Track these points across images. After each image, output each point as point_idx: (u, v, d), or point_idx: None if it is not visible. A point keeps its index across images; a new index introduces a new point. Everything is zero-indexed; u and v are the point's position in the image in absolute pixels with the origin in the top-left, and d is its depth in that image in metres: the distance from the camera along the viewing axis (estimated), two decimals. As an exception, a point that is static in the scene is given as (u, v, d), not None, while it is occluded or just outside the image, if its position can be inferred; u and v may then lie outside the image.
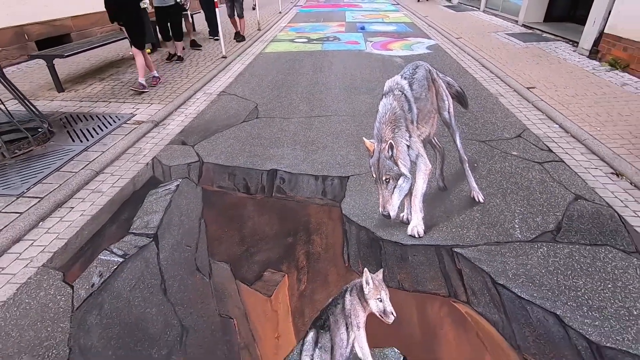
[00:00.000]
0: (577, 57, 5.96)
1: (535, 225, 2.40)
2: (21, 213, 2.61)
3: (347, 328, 1.72)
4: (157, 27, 6.43)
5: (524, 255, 2.17)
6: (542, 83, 4.86)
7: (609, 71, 5.21)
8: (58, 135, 3.75)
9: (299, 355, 1.65)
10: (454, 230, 2.39)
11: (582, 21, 6.22)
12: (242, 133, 3.83)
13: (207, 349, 1.71)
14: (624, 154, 3.13)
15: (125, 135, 3.76)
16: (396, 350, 1.68)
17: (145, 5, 6.06)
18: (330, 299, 1.90)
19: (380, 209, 2.27)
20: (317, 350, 1.65)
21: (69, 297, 1.98)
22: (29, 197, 2.79)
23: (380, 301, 1.79)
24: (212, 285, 2.05)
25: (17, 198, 2.78)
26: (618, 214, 2.50)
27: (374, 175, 2.30)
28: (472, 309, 1.86)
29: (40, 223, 2.58)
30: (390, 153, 2.20)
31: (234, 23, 7.84)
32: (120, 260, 2.21)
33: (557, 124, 3.83)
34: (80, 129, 3.87)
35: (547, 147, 3.39)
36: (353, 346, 1.66)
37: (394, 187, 2.25)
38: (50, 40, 6.74)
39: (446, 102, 2.67)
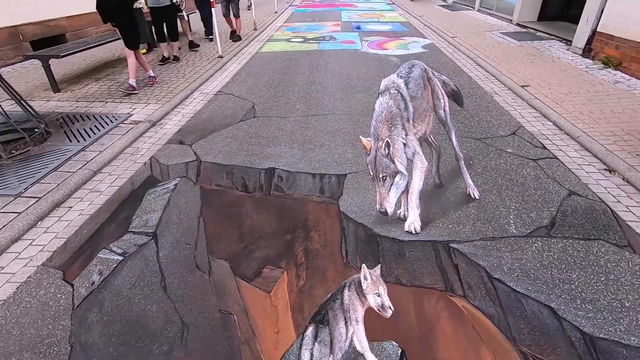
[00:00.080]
0: (570, 56, 6.02)
1: (530, 220, 2.44)
2: (19, 213, 2.61)
3: (345, 322, 1.75)
4: (152, 27, 6.41)
5: (519, 250, 2.20)
6: (536, 81, 4.92)
7: (601, 69, 5.27)
8: (55, 135, 3.75)
9: (298, 349, 1.68)
10: (450, 226, 2.42)
11: (575, 20, 6.28)
12: (239, 132, 3.84)
13: (207, 344, 1.73)
14: (616, 150, 3.18)
15: (123, 135, 3.76)
16: (394, 343, 1.71)
17: (141, 5, 6.06)
18: (329, 295, 1.92)
19: (378, 206, 2.30)
20: (316, 344, 1.67)
21: (69, 295, 2.00)
22: (26, 197, 2.79)
23: (378, 296, 1.81)
24: (211, 282, 2.07)
25: (15, 198, 2.78)
26: (610, 209, 2.54)
27: (371, 173, 2.32)
28: (469, 302, 1.90)
29: (39, 223, 2.59)
30: (386, 151, 2.22)
31: (230, 22, 7.85)
32: (120, 258, 2.22)
33: (551, 121, 3.88)
34: (77, 129, 3.87)
35: (542, 144, 3.44)
36: (352, 340, 1.69)
37: (391, 185, 2.27)
38: (45, 41, 6.71)
39: (442, 101, 2.70)
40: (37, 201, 2.73)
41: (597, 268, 2.06)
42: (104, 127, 3.92)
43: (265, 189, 2.90)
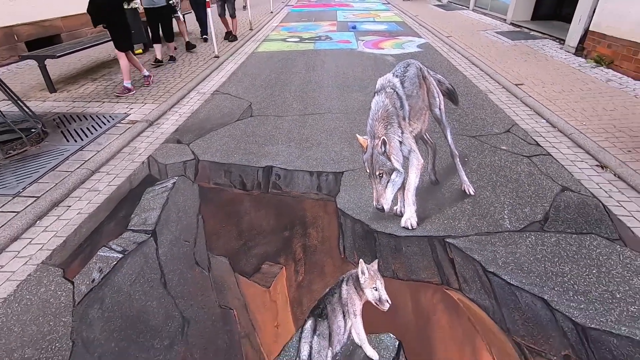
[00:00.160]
0: (563, 55, 6.10)
1: (524, 215, 2.49)
2: (18, 212, 2.62)
3: (344, 316, 1.78)
4: (148, 27, 6.40)
5: (513, 244, 2.25)
6: (530, 80, 4.98)
7: (594, 68, 5.35)
8: (52, 135, 3.75)
9: (298, 342, 1.71)
10: (446, 221, 2.46)
11: (568, 19, 6.36)
12: (236, 131, 3.87)
13: (208, 339, 1.76)
14: (608, 147, 3.23)
15: (120, 134, 3.77)
16: (391, 335, 1.74)
17: (136, 6, 6.05)
18: (328, 289, 1.95)
19: (375, 203, 2.33)
20: (315, 337, 1.70)
21: (69, 292, 2.01)
22: (25, 196, 2.80)
23: (376, 290, 1.85)
24: (211, 278, 2.09)
25: (13, 197, 2.79)
26: (602, 204, 2.60)
27: (368, 171, 2.36)
28: (464, 295, 1.94)
29: (38, 222, 2.60)
30: (383, 149, 2.25)
31: (225, 22, 7.85)
32: (120, 256, 2.24)
33: (544, 119, 3.93)
34: (74, 129, 3.88)
35: (535, 141, 3.49)
36: (350, 332, 1.72)
37: (387, 182, 2.31)
38: (40, 41, 6.69)
39: (437, 99, 2.74)
40: (35, 200, 2.74)
41: (589, 261, 2.11)
42: (101, 127, 3.93)
43: (263, 187, 2.93)
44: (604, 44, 5.42)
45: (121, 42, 4.67)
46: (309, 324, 1.77)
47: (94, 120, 4.10)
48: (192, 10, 7.89)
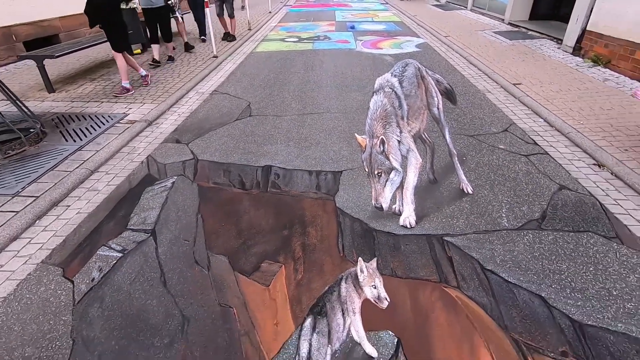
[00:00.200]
0: (561, 54, 6.12)
1: (522, 214, 2.51)
2: (17, 212, 2.62)
3: (343, 313, 1.79)
4: (146, 28, 6.39)
5: (511, 242, 2.26)
6: (528, 79, 5.00)
7: (591, 67, 5.37)
8: (51, 135, 3.75)
9: (297, 340, 1.72)
10: (444, 220, 2.48)
11: (566, 19, 6.39)
12: (235, 131, 3.87)
13: (208, 336, 1.76)
14: (605, 145, 3.26)
15: (119, 134, 3.78)
16: (390, 332, 1.75)
17: (135, 5, 6.06)
18: (327, 287, 1.95)
19: (373, 202, 2.34)
20: (315, 334, 1.71)
21: (69, 291, 2.02)
22: (24, 196, 2.80)
23: (375, 288, 1.85)
24: (211, 277, 2.10)
25: (13, 197, 2.79)
26: (599, 202, 2.61)
27: (367, 170, 2.37)
28: (462, 293, 1.95)
29: (37, 221, 2.60)
30: (381, 148, 2.26)
31: (223, 23, 7.85)
32: (119, 255, 2.24)
33: (542, 118, 3.95)
34: (73, 129, 3.88)
35: (533, 140, 3.51)
36: (349, 330, 1.73)
37: (386, 181, 2.32)
38: (39, 41, 6.68)
39: (435, 99, 2.75)
40: (34, 200, 2.74)
41: (586, 259, 2.12)
42: (99, 127, 3.93)
43: (263, 186, 2.94)
44: (601, 44, 5.45)
45: (118, 42, 4.66)
46: (309, 321, 1.77)
47: (92, 120, 4.10)
48: (190, 11, 7.88)
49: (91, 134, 3.78)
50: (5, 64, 6.25)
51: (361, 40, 7.89)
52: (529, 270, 2.05)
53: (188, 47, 7.03)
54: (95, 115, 4.21)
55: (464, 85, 5.08)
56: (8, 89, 3.72)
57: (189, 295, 1.98)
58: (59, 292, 2.02)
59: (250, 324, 1.82)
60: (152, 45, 6.10)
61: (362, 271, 1.89)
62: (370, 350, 1.67)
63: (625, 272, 2.02)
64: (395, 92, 2.41)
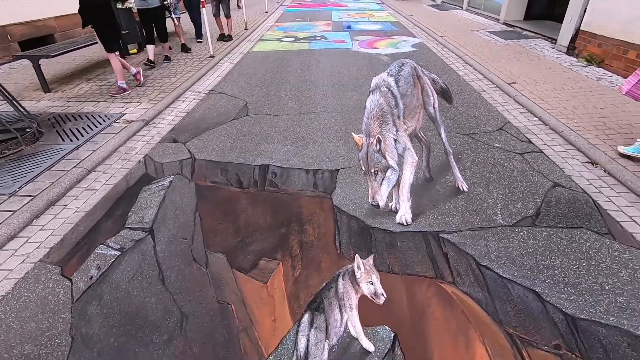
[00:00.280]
0: (555, 54, 6.18)
1: (516, 211, 2.54)
2: (14, 211, 2.62)
3: (340, 309, 1.81)
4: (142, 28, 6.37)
5: (506, 238, 2.29)
6: (523, 79, 5.05)
7: (585, 66, 5.43)
8: (47, 135, 3.74)
9: (295, 335, 1.74)
10: (440, 217, 2.51)
11: (560, 19, 6.45)
12: (232, 130, 3.89)
13: (206, 333, 1.78)
14: (598, 143, 3.30)
15: (116, 134, 3.78)
16: (387, 327, 1.78)
17: (130, 5, 6.04)
18: (324, 284, 1.97)
19: (370, 200, 2.36)
20: (312, 330, 1.73)
21: (68, 289, 2.02)
22: (21, 195, 2.80)
23: (371, 284, 1.87)
24: (209, 274, 2.11)
25: (9, 197, 2.79)
26: (592, 199, 2.65)
27: (363, 168, 2.39)
28: (458, 288, 1.98)
29: (34, 220, 2.60)
30: (378, 147, 2.28)
31: (219, 24, 7.85)
32: (117, 253, 2.25)
33: (536, 117, 3.99)
34: (70, 129, 3.87)
35: (527, 138, 3.55)
36: (346, 325, 1.75)
37: (383, 179, 2.34)
38: (34, 41, 6.65)
39: (431, 98, 2.78)
40: (31, 199, 2.74)
41: (579, 254, 2.16)
42: (96, 127, 3.93)
43: (260, 185, 2.95)
44: (595, 43, 5.51)
45: (111, 43, 4.64)
46: (306, 317, 1.79)
47: (89, 119, 4.10)
48: (185, 11, 7.86)
49: (88, 133, 3.78)
50: (1, 64, 6.21)
51: (357, 40, 7.92)
52: (523, 265, 2.09)
53: (185, 49, 7.01)
54: (92, 115, 4.20)
55: (460, 84, 5.12)
56: (4, 88, 3.71)
57: (187, 292, 2.00)
58: (58, 290, 2.02)
59: (248, 320, 1.84)
60: (147, 46, 6.06)
61: (359, 268, 1.91)
62: (367, 345, 1.70)
63: (617, 267, 2.06)
64: (392, 92, 2.43)
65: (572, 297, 1.89)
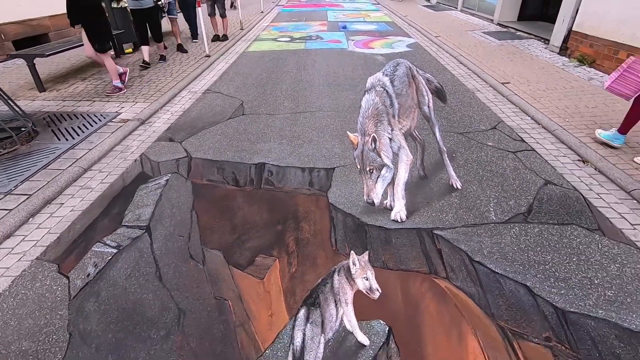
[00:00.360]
0: (548, 54, 6.26)
1: (509, 208, 2.58)
2: (10, 210, 2.62)
3: (336, 304, 1.83)
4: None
5: (498, 235, 2.34)
6: (516, 78, 5.11)
7: (577, 67, 5.51)
8: (42, 134, 3.74)
9: (291, 330, 1.76)
10: (434, 214, 2.54)
11: (553, 20, 6.53)
12: (228, 129, 3.90)
13: (204, 328, 1.80)
14: (589, 142, 3.36)
15: (112, 133, 3.78)
16: (382, 322, 1.81)
17: (125, 5, 6.03)
18: (320, 279, 2.00)
19: (365, 197, 2.40)
20: (308, 325, 1.75)
21: (65, 286, 2.03)
22: (17, 194, 2.80)
23: (366, 279, 1.90)
24: (206, 271, 2.13)
25: (5, 195, 2.79)
26: (583, 196, 2.71)
27: (358, 167, 2.42)
28: (451, 283, 2.02)
29: (31, 219, 2.61)
30: (373, 145, 2.32)
31: (214, 24, 7.84)
32: (114, 251, 2.27)
33: (529, 116, 4.05)
34: (65, 128, 3.87)
35: (520, 137, 3.60)
36: (342, 320, 1.78)
37: (378, 177, 2.38)
38: (28, 40, 6.62)
39: (426, 97, 2.81)
40: (27, 198, 2.74)
41: (569, 250, 2.21)
42: (92, 126, 3.93)
43: (256, 183, 2.97)
44: (586, 44, 5.59)
45: (102, 42, 4.61)
46: (302, 312, 1.82)
47: (84, 119, 4.09)
48: (180, 11, 7.84)
49: (83, 132, 3.78)
50: (-6, 63, 6.18)
51: (353, 40, 7.96)
52: (515, 261, 2.13)
53: (181, 49, 6.99)
54: (87, 114, 4.20)
55: (454, 84, 5.17)
56: (-1, 87, 3.70)
57: (184, 289, 2.02)
58: (55, 287, 2.03)
59: (245, 316, 1.87)
60: (141, 47, 5.98)
61: (354, 264, 1.94)
62: (362, 339, 1.73)
63: (606, 262, 2.11)
64: (387, 91, 2.46)
65: (563, 291, 1.93)
